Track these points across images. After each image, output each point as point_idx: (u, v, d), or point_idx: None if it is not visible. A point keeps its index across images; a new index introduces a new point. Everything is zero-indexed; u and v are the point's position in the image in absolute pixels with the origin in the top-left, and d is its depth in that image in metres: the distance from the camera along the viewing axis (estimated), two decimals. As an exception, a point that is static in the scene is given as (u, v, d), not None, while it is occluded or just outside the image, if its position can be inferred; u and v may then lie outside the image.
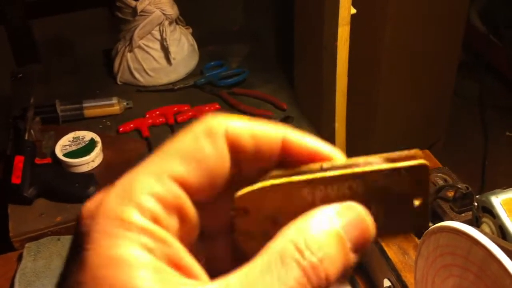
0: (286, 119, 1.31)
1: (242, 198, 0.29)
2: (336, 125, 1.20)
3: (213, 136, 0.28)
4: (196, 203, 0.28)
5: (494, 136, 2.35)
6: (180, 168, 0.27)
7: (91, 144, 1.20)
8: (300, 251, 0.26)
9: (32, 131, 1.23)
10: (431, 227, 0.65)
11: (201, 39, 1.57)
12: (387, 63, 1.87)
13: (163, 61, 1.44)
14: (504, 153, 2.30)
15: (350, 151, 1.22)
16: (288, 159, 0.30)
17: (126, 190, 0.26)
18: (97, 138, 1.22)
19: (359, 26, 1.14)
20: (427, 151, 1.22)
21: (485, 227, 0.82)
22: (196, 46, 1.54)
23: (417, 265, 0.68)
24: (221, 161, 0.29)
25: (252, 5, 2.06)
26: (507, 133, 2.39)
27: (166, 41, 1.41)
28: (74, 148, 1.19)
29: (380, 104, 1.95)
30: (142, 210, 0.26)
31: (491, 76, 2.63)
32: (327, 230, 0.27)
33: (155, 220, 0.26)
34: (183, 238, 0.27)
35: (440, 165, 1.14)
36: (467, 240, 0.58)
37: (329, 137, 1.23)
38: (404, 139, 2.06)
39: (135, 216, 0.25)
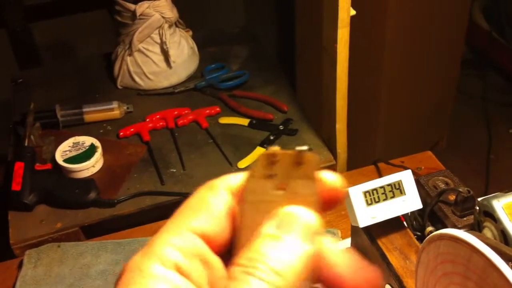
0: (286, 121, 1.31)
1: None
2: (337, 126, 1.19)
3: (213, 188, 0.33)
4: (222, 255, 0.32)
5: (497, 132, 2.35)
6: (195, 221, 0.31)
7: (91, 149, 1.20)
8: (245, 266, 0.28)
9: (32, 137, 1.23)
10: (430, 234, 0.64)
11: (201, 42, 1.56)
12: (389, 63, 1.86)
13: (163, 65, 1.43)
14: (508, 150, 2.30)
15: (352, 153, 1.20)
16: None
17: (149, 246, 0.30)
18: (97, 143, 1.22)
19: (359, 26, 1.13)
20: (429, 153, 1.21)
21: (487, 231, 0.82)
22: (196, 49, 1.53)
23: (417, 273, 0.68)
24: (226, 206, 0.33)
25: (252, 7, 2.06)
26: (510, 131, 2.38)
27: (165, 44, 1.40)
28: (74, 153, 1.19)
29: (382, 104, 1.95)
30: (163, 260, 0.29)
31: (494, 73, 2.62)
32: (267, 236, 0.30)
33: (177, 267, 0.29)
34: (214, 282, 0.31)
35: (442, 167, 1.13)
36: (467, 248, 0.58)
37: (331, 139, 1.23)
38: (407, 138, 2.05)
39: (151, 265, 0.29)
